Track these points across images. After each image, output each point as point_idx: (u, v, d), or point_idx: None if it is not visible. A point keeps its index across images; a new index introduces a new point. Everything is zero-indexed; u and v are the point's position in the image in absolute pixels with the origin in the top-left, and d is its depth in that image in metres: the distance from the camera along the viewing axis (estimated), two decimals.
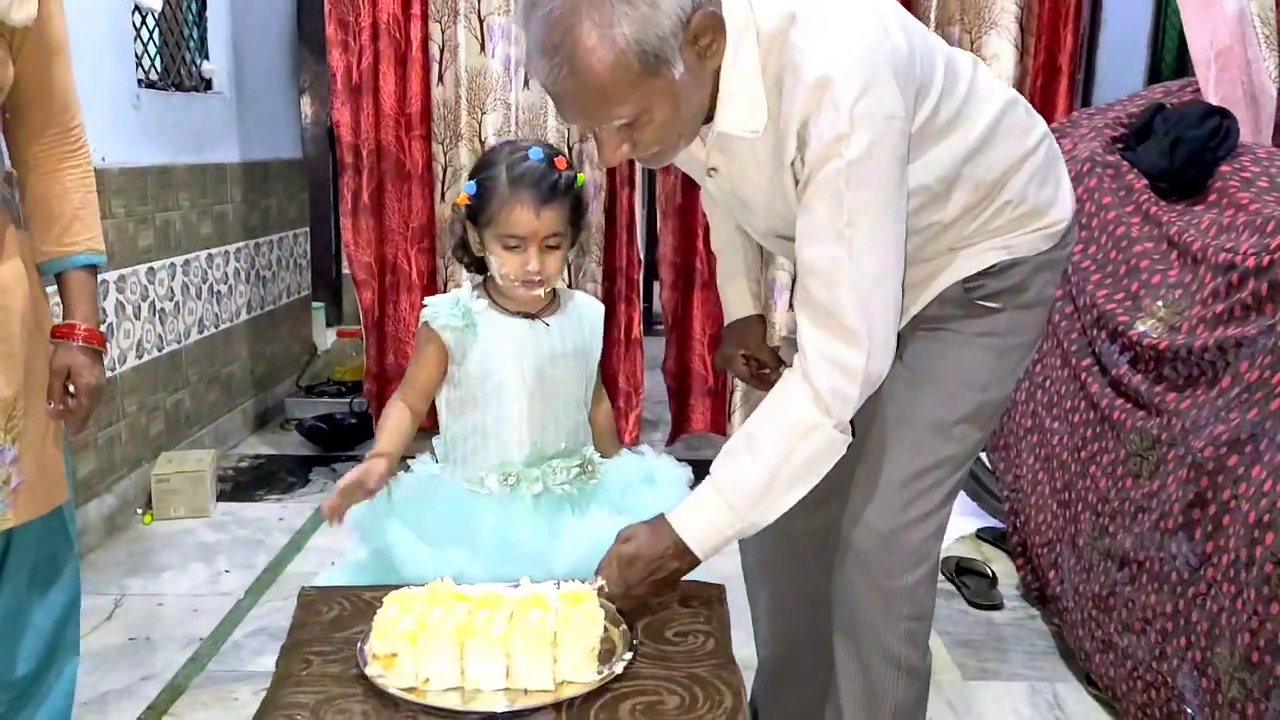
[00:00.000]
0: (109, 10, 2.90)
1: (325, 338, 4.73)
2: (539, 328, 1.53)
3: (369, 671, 1.10)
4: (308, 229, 4.48)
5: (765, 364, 1.60)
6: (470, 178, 1.52)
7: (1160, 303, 1.92)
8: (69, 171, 1.55)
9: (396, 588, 1.23)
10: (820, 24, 1.18)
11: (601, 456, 1.64)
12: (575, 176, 1.50)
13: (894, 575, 1.41)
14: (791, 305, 1.56)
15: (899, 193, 1.22)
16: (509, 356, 1.51)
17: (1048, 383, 2.27)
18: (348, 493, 1.44)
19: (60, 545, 1.62)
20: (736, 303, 1.66)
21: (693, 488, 1.39)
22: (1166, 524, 1.80)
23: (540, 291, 1.51)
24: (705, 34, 1.16)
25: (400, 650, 1.08)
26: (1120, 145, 2.24)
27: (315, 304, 4.69)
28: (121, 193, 2.87)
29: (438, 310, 1.51)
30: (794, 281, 1.67)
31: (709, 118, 1.27)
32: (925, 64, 1.27)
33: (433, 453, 1.63)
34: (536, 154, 1.46)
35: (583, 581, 1.24)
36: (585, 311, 1.62)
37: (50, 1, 1.45)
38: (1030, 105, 1.47)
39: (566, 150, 3.07)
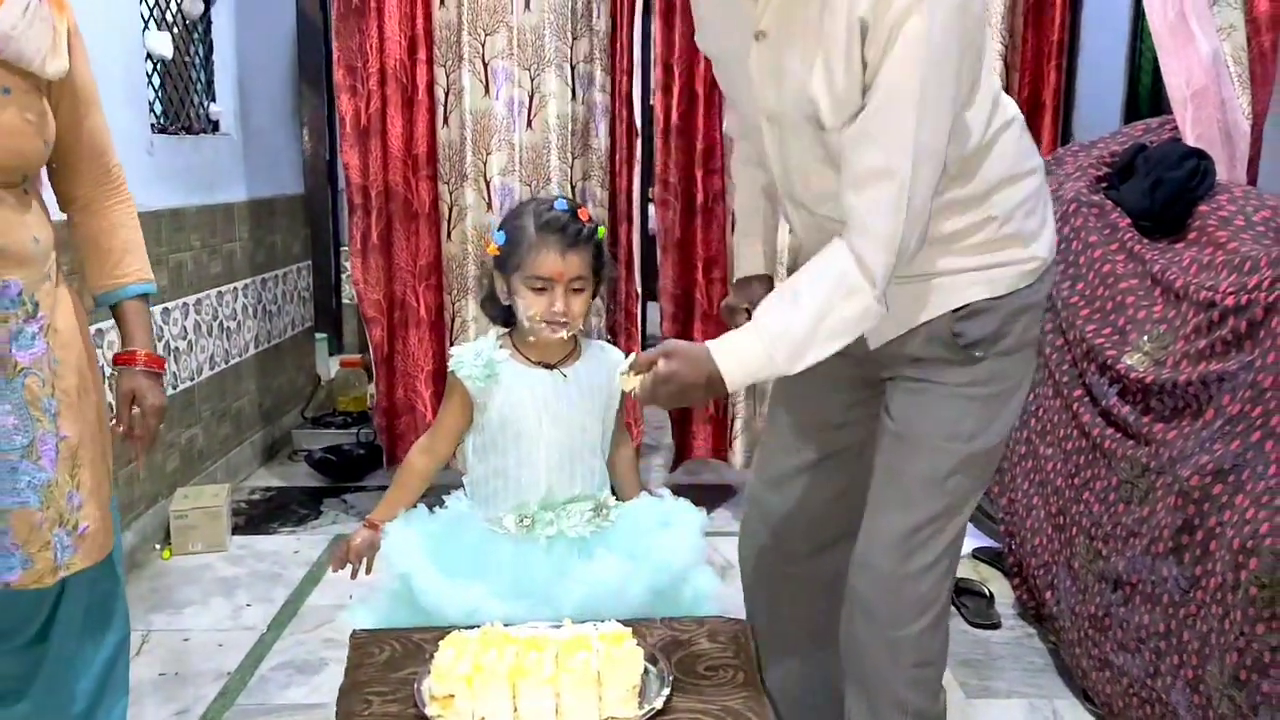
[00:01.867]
0: (123, 59, 2.98)
1: (329, 367, 4.80)
2: (557, 378, 1.62)
3: (429, 712, 1.18)
4: (310, 262, 4.56)
5: None
6: (499, 229, 1.62)
7: (1146, 338, 2.03)
8: (114, 208, 1.66)
9: (440, 628, 1.32)
10: None
11: (621, 499, 1.72)
12: (597, 227, 1.60)
13: (899, 625, 1.49)
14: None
15: (956, 79, 1.27)
16: (528, 406, 1.60)
17: (1041, 411, 2.37)
18: (340, 561, 1.65)
19: (111, 587, 1.71)
20: (750, 260, 1.74)
21: (705, 533, 1.54)
22: (1157, 548, 1.90)
23: (564, 334, 1.59)
24: None
25: (458, 691, 1.17)
26: (1104, 184, 2.35)
27: (319, 335, 4.77)
28: None
29: (462, 360, 1.61)
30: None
31: None
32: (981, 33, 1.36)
33: (465, 490, 1.73)
34: (561, 204, 1.58)
35: (594, 624, 1.34)
36: (606, 360, 1.69)
37: (77, 54, 1.55)
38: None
39: (570, 190, 3.17)
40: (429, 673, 1.22)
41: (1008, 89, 3.20)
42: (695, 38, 1.59)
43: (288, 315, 4.28)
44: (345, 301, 5.51)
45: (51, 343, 1.51)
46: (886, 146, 1.27)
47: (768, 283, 1.72)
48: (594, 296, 1.66)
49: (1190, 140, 2.52)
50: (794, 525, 1.70)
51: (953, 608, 2.74)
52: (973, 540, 3.15)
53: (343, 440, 3.99)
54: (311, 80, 4.54)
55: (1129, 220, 2.20)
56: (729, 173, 1.76)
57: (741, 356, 1.32)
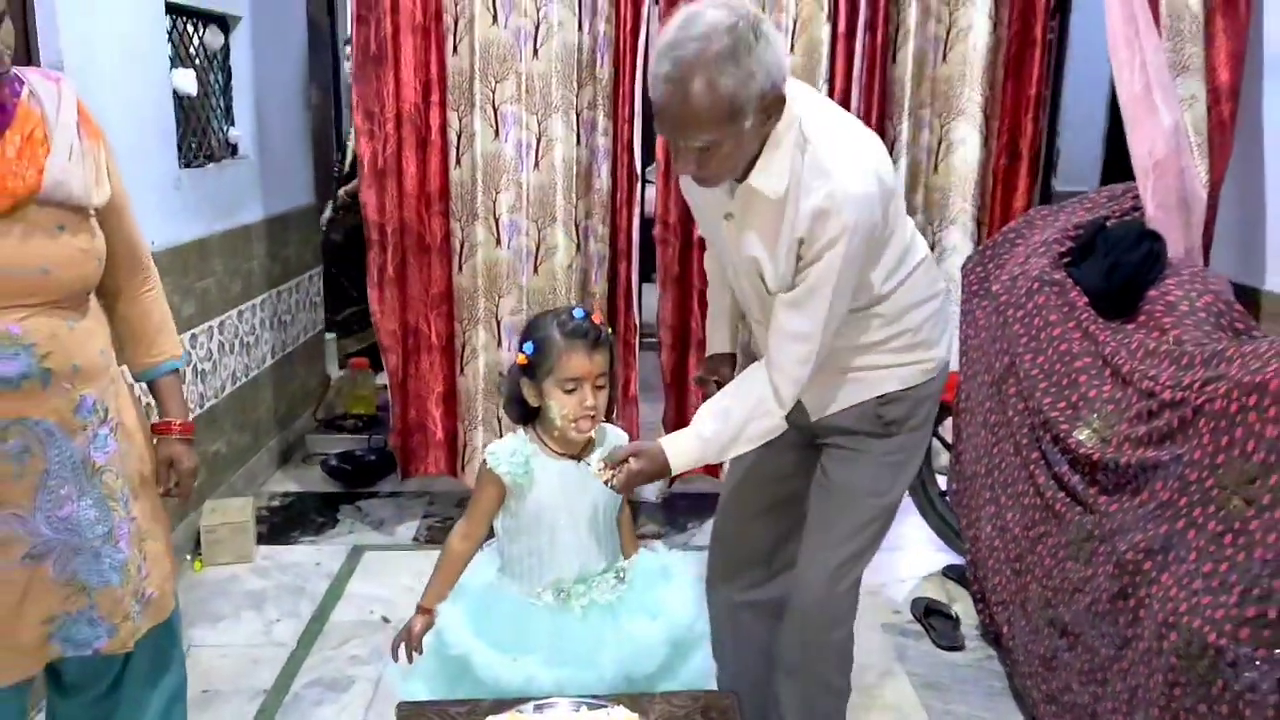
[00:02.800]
0: (153, 100, 3.14)
1: (337, 365, 5.01)
2: (582, 467, 1.82)
3: None
4: (321, 268, 4.75)
5: None
6: (522, 342, 1.82)
7: (1095, 415, 2.26)
8: (146, 295, 1.86)
9: (473, 701, 1.55)
10: (833, 153, 1.68)
11: (624, 555, 1.96)
12: (610, 330, 1.84)
13: (829, 630, 2.02)
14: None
15: (862, 269, 1.76)
16: (559, 495, 1.81)
17: (1003, 463, 2.61)
18: (398, 646, 1.85)
19: (170, 640, 1.94)
20: (719, 343, 2.18)
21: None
22: (1097, 607, 2.15)
23: (592, 431, 1.80)
24: (773, 107, 1.64)
25: None
26: (1067, 259, 2.56)
27: (328, 334, 4.97)
28: (168, 272, 3.12)
29: (500, 458, 1.81)
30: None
31: (742, 177, 1.73)
32: (895, 212, 1.83)
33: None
34: (579, 313, 1.80)
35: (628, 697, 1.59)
36: (615, 440, 1.90)
37: (113, 174, 1.72)
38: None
39: (574, 228, 3.37)
40: None
41: (986, 137, 3.41)
42: (680, 189, 2.03)
43: (300, 323, 4.48)
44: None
45: (120, 439, 1.72)
46: (810, 318, 1.74)
47: (731, 360, 2.17)
48: (610, 393, 1.84)
49: (1150, 207, 2.73)
50: (747, 559, 2.16)
51: (921, 629, 3.02)
52: (945, 557, 3.41)
53: (355, 446, 4.22)
54: (321, 78, 4.71)
55: (1086, 300, 2.41)
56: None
57: (686, 453, 1.80)
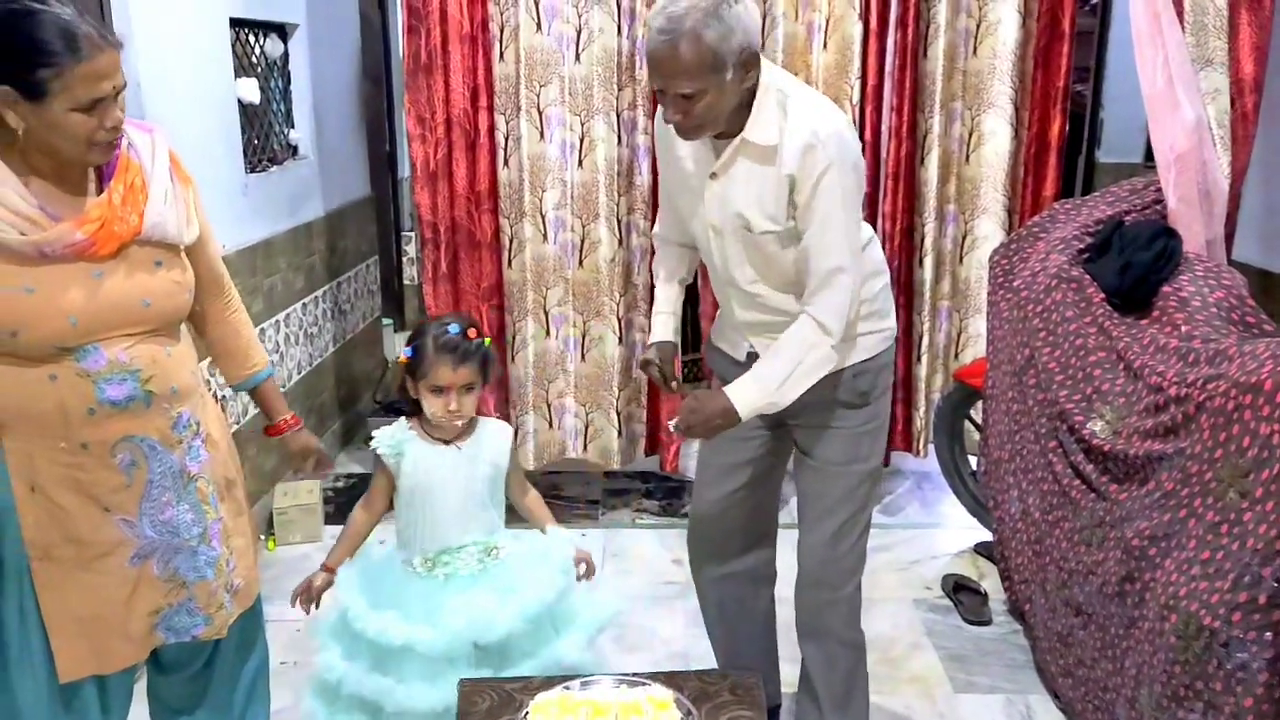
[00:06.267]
0: (219, 110, 3.35)
1: (395, 347, 5.24)
2: (453, 451, 2.11)
3: None
4: (377, 256, 4.96)
5: (668, 376, 2.25)
6: (408, 344, 2.09)
7: (1108, 408, 2.38)
8: (232, 315, 2.07)
9: (524, 680, 1.75)
10: (810, 103, 1.96)
11: (537, 526, 2.25)
12: (484, 341, 2.09)
13: (838, 589, 2.22)
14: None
15: (859, 203, 2.01)
16: (431, 475, 2.10)
17: (1024, 450, 2.74)
18: (304, 597, 2.16)
19: (255, 622, 2.15)
20: (662, 330, 2.33)
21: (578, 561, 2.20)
22: (1107, 589, 2.29)
23: (459, 424, 2.09)
24: (749, 64, 1.89)
25: None
26: (1085, 255, 2.67)
27: (384, 320, 5.20)
28: (237, 272, 3.34)
29: (380, 442, 2.12)
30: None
31: (732, 135, 1.95)
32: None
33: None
34: (455, 328, 2.06)
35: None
36: (494, 435, 2.18)
37: (200, 211, 1.91)
38: None
39: (616, 223, 3.53)
40: (524, 716, 1.65)
41: (1016, 128, 3.50)
42: (660, 175, 2.24)
43: (359, 311, 4.71)
44: (405, 283, 5.95)
45: (209, 449, 1.93)
46: (834, 248, 1.94)
47: (673, 347, 2.33)
48: (483, 387, 2.13)
49: (1172, 200, 2.81)
50: (725, 535, 2.36)
51: (950, 604, 3.17)
52: (976, 535, 3.55)
53: None
54: (373, 76, 4.88)
55: (1102, 296, 2.53)
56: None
57: (747, 395, 1.99)
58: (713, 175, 2.02)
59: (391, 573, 2.15)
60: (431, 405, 2.05)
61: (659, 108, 2.00)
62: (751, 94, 1.94)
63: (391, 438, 2.12)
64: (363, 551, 2.21)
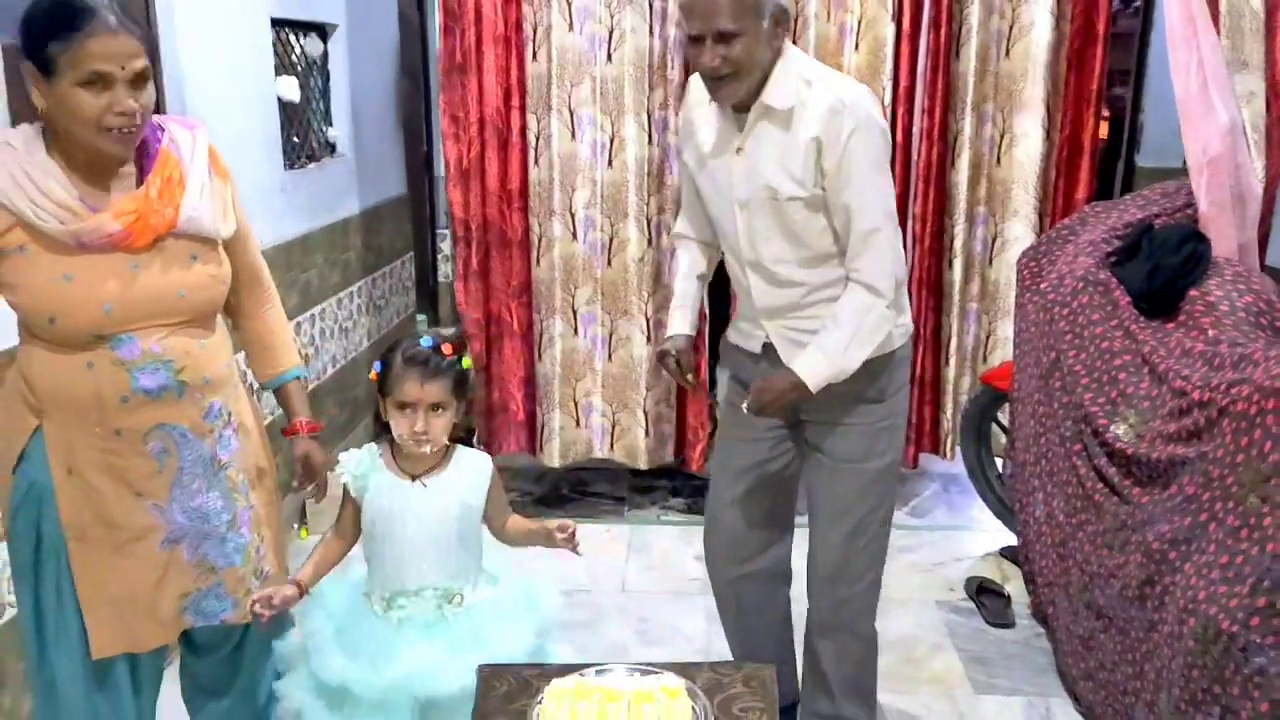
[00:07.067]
0: (260, 108, 3.42)
1: None
2: (418, 488, 1.95)
3: None
4: (412, 252, 5.03)
5: (685, 369, 2.24)
6: (379, 360, 1.94)
7: (1132, 411, 2.37)
8: (268, 312, 2.11)
9: (541, 666, 1.78)
10: (831, 73, 2.05)
11: (518, 544, 2.06)
12: (460, 360, 1.93)
13: (854, 584, 2.23)
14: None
15: (886, 166, 2.04)
16: (393, 509, 1.94)
17: (1050, 453, 2.73)
18: (264, 603, 1.88)
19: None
20: (680, 324, 2.32)
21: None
22: (1128, 593, 2.29)
23: (427, 449, 1.91)
24: (781, 20, 1.96)
25: None
26: (1113, 258, 2.66)
27: (419, 316, 5.26)
28: (274, 267, 3.36)
29: (345, 466, 1.98)
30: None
31: (749, 107, 1.99)
32: None
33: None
34: (427, 342, 1.91)
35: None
36: (470, 469, 2.00)
37: (238, 207, 1.94)
38: None
39: (645, 223, 3.56)
40: (540, 702, 1.68)
41: (1048, 130, 3.49)
42: (681, 157, 2.25)
43: (394, 306, 4.77)
44: (440, 280, 6.01)
45: (241, 438, 1.97)
46: (869, 214, 1.98)
47: (689, 339, 2.31)
48: (458, 415, 1.95)
49: (1203, 204, 2.79)
50: (742, 536, 2.36)
51: (973, 607, 3.17)
52: (1003, 538, 3.54)
53: None
54: (413, 78, 4.93)
55: (1129, 299, 2.52)
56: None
57: (813, 365, 2.01)
58: (738, 150, 2.04)
59: (347, 603, 2.02)
60: (398, 425, 1.90)
61: (682, 105, 2.03)
62: (773, 62, 1.97)
63: (358, 465, 1.98)
64: (344, 573, 2.08)
